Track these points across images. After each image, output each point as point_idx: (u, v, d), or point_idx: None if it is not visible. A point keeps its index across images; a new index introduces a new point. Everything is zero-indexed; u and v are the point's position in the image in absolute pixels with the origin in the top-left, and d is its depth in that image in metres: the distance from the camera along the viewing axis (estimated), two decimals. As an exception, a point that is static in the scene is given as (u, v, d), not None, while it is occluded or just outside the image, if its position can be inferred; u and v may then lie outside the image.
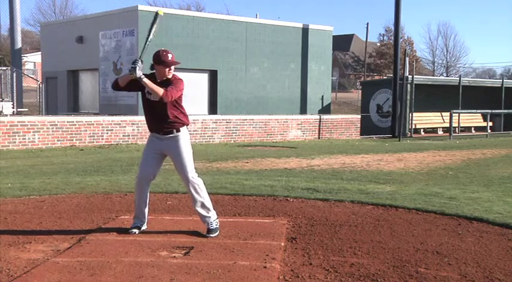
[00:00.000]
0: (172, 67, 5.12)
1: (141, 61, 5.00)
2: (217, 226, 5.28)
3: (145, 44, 5.16)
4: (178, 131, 5.19)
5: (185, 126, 5.27)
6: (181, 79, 5.17)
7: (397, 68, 22.85)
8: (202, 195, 5.26)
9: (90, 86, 22.26)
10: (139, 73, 4.93)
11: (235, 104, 21.51)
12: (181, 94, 5.17)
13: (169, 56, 5.08)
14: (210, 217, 5.27)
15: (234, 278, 4.05)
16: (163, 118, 5.13)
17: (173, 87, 5.02)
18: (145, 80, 4.97)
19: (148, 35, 5.16)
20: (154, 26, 5.17)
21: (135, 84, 5.10)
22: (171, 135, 5.18)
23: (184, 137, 5.23)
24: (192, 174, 5.21)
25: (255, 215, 6.27)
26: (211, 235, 5.18)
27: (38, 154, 13.20)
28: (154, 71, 5.16)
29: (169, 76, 5.12)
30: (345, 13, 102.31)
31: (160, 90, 4.95)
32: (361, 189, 8.00)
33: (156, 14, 5.18)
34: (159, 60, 5.06)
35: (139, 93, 5.25)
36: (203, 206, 5.27)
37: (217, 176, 9.18)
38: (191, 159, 5.25)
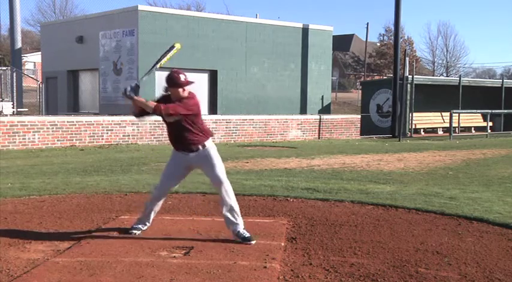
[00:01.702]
0: (187, 87, 5.04)
1: (137, 85, 4.98)
2: (250, 235, 5.06)
3: (151, 68, 5.15)
4: (204, 146, 5.12)
5: (210, 138, 5.21)
6: (192, 98, 5.06)
7: (397, 68, 22.84)
8: (232, 200, 5.12)
9: (90, 86, 22.26)
10: (129, 93, 4.92)
11: (235, 104, 21.51)
12: (194, 113, 5.04)
13: (182, 77, 5.01)
14: (238, 224, 5.09)
15: (234, 278, 4.05)
16: (185, 139, 5.06)
17: (178, 104, 4.96)
18: (136, 97, 4.95)
19: (158, 61, 5.13)
20: (167, 56, 5.15)
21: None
22: (199, 151, 5.11)
23: (212, 148, 5.16)
24: (226, 183, 5.11)
25: (255, 215, 6.27)
26: (251, 242, 4.97)
27: (38, 154, 13.20)
28: (168, 92, 5.10)
29: (185, 95, 5.03)
30: (345, 13, 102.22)
31: (151, 105, 4.93)
32: (361, 189, 8.00)
33: (172, 46, 5.15)
34: (172, 82, 5.00)
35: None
36: (229, 209, 5.10)
37: (217, 176, 9.17)
38: (223, 168, 5.18)
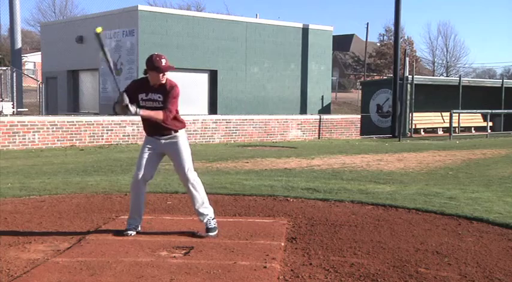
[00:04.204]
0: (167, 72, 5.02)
1: (123, 93, 4.85)
2: (216, 225, 5.27)
3: (109, 64, 4.99)
4: (176, 132, 5.17)
5: (183, 128, 5.27)
6: (176, 86, 5.05)
7: (397, 68, 22.85)
8: (201, 194, 5.26)
9: (90, 86, 22.28)
10: (133, 109, 4.83)
11: (235, 104, 21.51)
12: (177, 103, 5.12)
13: (163, 61, 4.93)
14: (207, 215, 5.26)
15: (234, 278, 4.05)
16: (161, 126, 5.08)
17: (169, 102, 4.96)
18: (142, 112, 4.92)
19: (104, 54, 4.96)
20: (102, 44, 4.97)
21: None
22: (170, 136, 5.17)
23: (183, 137, 5.22)
24: (191, 173, 5.19)
25: (255, 215, 6.27)
26: (210, 234, 5.16)
27: (38, 154, 13.20)
28: (147, 75, 5.03)
29: (163, 81, 5.01)
30: (345, 13, 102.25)
31: (159, 115, 4.93)
32: (361, 189, 7.99)
33: (96, 33, 4.92)
34: (153, 66, 4.94)
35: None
36: (202, 204, 5.26)
37: (217, 176, 9.18)
38: (190, 158, 5.23)
